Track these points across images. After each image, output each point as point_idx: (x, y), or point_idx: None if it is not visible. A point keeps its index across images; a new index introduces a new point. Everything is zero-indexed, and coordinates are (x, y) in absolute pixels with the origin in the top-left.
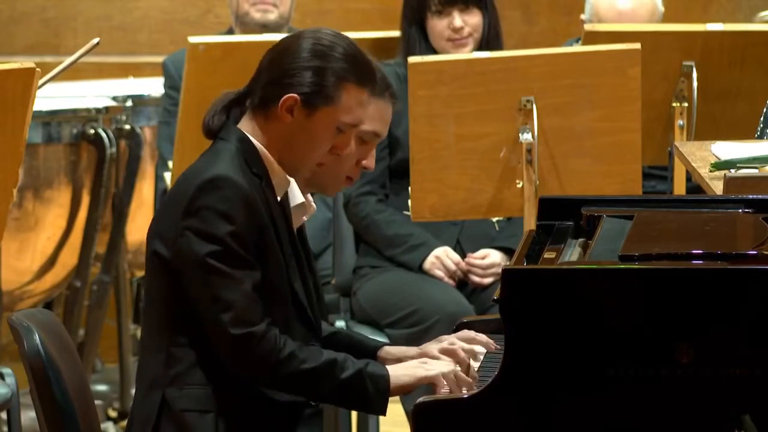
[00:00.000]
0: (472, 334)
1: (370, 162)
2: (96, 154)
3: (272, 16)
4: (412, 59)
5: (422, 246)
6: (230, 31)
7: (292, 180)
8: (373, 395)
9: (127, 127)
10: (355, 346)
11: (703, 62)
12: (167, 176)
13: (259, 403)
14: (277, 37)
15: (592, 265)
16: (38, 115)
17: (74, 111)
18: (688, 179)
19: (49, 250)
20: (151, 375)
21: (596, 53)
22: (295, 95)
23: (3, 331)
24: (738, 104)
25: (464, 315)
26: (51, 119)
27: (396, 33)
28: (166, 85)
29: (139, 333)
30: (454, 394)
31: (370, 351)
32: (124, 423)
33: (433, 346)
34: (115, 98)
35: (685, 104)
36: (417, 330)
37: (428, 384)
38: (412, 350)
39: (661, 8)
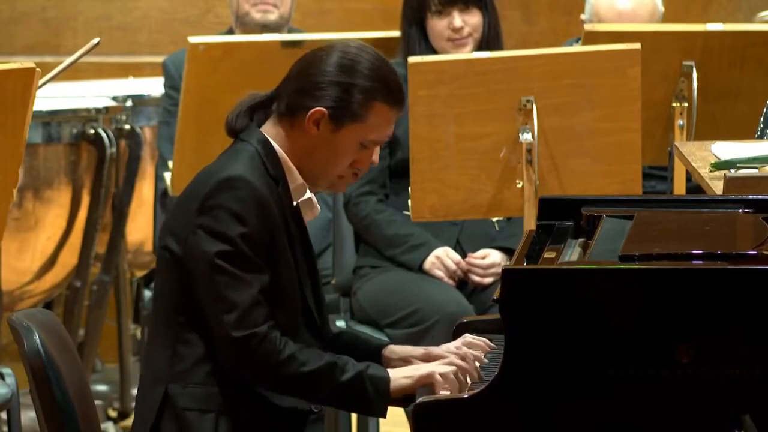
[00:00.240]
0: (469, 339)
1: (375, 158)
2: (96, 154)
3: (272, 16)
4: (412, 59)
5: (422, 246)
6: (230, 31)
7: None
8: (373, 397)
9: (127, 127)
10: (360, 345)
11: (703, 62)
12: (167, 176)
13: (261, 405)
14: (277, 37)
15: (592, 265)
16: (38, 115)
17: (74, 111)
18: (688, 179)
19: (49, 250)
20: (156, 369)
21: (596, 53)
22: (323, 109)
23: (3, 331)
24: (738, 104)
25: (464, 315)
26: (51, 119)
27: (396, 33)
28: (166, 85)
29: (139, 333)
30: (454, 393)
31: (374, 350)
32: (124, 423)
33: (437, 349)
34: (115, 98)
35: (685, 104)
36: (417, 330)
37: (428, 385)
38: (417, 350)
39: (661, 8)
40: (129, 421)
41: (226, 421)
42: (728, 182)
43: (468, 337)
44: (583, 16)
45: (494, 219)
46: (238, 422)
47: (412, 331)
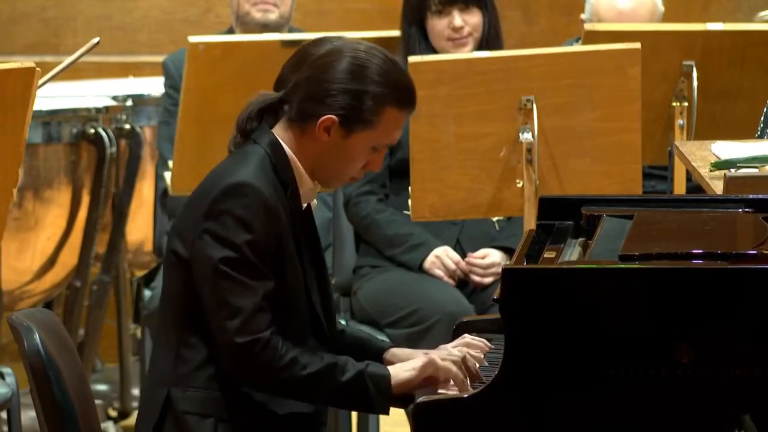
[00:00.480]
0: (468, 339)
1: (378, 166)
2: (96, 154)
3: (273, 16)
4: (412, 59)
5: (422, 246)
6: (230, 31)
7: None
8: (374, 395)
9: (127, 126)
10: (361, 347)
11: (703, 62)
12: (167, 176)
13: (260, 411)
14: (277, 37)
15: (592, 264)
16: (38, 115)
17: (74, 111)
18: (688, 179)
19: (49, 250)
20: (160, 371)
21: (596, 53)
22: (334, 117)
23: (3, 331)
24: (738, 104)
25: (464, 315)
26: (51, 119)
27: (396, 33)
28: (166, 85)
29: (139, 333)
30: (453, 394)
31: (375, 354)
32: (124, 423)
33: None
34: (115, 98)
35: (685, 104)
36: (417, 330)
37: (430, 375)
38: (418, 353)
39: (661, 8)
40: (129, 421)
41: (225, 426)
42: (728, 182)
43: (467, 338)
44: (583, 16)
45: (494, 219)
46: (237, 428)
47: (412, 330)
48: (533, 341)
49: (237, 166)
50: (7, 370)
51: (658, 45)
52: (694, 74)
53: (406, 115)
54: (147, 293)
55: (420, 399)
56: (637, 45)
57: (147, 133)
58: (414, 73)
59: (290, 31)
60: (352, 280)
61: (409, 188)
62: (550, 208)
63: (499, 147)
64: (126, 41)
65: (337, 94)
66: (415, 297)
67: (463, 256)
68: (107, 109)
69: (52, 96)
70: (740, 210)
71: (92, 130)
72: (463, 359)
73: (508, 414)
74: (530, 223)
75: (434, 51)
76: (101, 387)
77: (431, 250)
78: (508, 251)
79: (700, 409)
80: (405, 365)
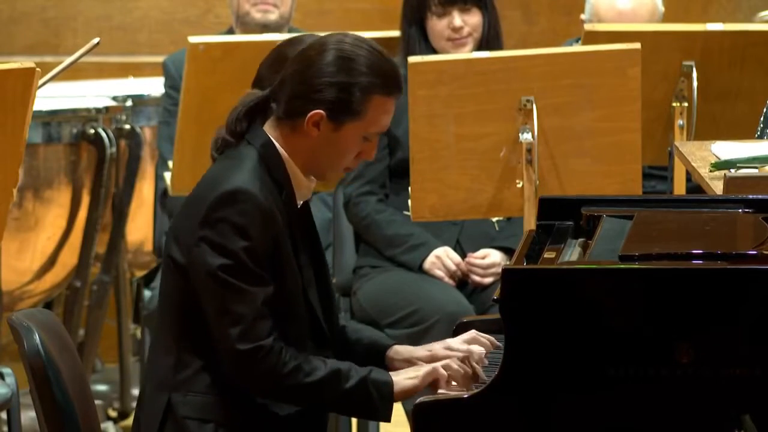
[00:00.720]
0: (475, 334)
1: (372, 154)
2: (96, 154)
3: (273, 16)
4: (412, 59)
5: (422, 246)
6: (230, 31)
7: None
8: (378, 402)
9: (127, 127)
10: (363, 345)
11: (703, 62)
12: (167, 176)
13: (260, 416)
14: (277, 37)
15: (592, 265)
16: (38, 115)
17: (74, 111)
18: (688, 179)
19: (49, 250)
20: (160, 376)
21: (596, 53)
22: (322, 111)
23: (3, 331)
24: (738, 104)
25: (464, 315)
26: (51, 119)
27: (396, 33)
28: (166, 85)
29: (139, 333)
30: (454, 394)
31: (378, 351)
32: (124, 423)
33: (441, 348)
34: (115, 98)
35: (685, 104)
36: (417, 330)
37: (433, 382)
38: (420, 351)
39: (661, 8)
40: (129, 421)
41: (226, 430)
42: (728, 182)
43: (473, 333)
44: (583, 16)
45: (494, 219)
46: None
47: (412, 331)
48: (533, 341)
49: (232, 171)
50: (7, 370)
51: (658, 45)
52: (694, 74)
53: (393, 102)
54: (147, 293)
55: (420, 399)
56: (637, 45)
57: (147, 133)
58: (414, 74)
59: (290, 31)
60: (352, 280)
61: (409, 188)
62: (550, 208)
63: (499, 147)
64: (126, 41)
65: (324, 88)
66: (415, 297)
67: (463, 256)
68: (107, 109)
69: (52, 96)
70: (740, 210)
71: (92, 131)
72: (467, 358)
73: (508, 414)
74: (530, 223)
75: (434, 51)
76: (101, 387)
77: (431, 251)
78: (508, 251)
79: (700, 409)
80: (408, 373)
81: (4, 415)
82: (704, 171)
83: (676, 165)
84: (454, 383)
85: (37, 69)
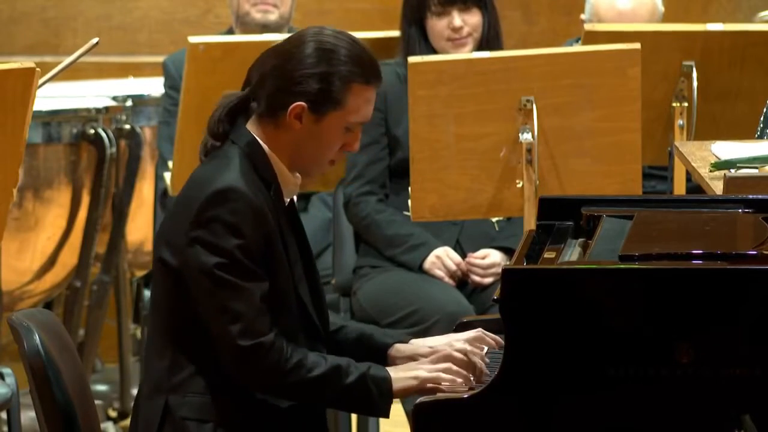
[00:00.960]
0: (482, 334)
1: (356, 146)
2: (96, 154)
3: (273, 16)
4: (412, 59)
5: (422, 246)
6: (230, 31)
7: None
8: (377, 398)
9: (127, 127)
10: (364, 343)
11: (703, 62)
12: (167, 176)
13: (259, 414)
14: (277, 37)
15: (592, 265)
16: (38, 115)
17: (74, 111)
18: (688, 179)
19: (49, 250)
20: (155, 379)
21: (596, 53)
22: (303, 103)
23: (3, 331)
24: (738, 104)
25: (464, 315)
26: (51, 119)
27: (396, 33)
28: (166, 85)
29: (139, 333)
30: (454, 394)
31: (379, 350)
32: (124, 423)
33: (443, 344)
34: (115, 98)
35: (685, 104)
36: (417, 330)
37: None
38: (423, 349)
39: (661, 8)
40: (129, 421)
41: (225, 430)
42: (728, 182)
43: (480, 332)
44: (583, 16)
45: (494, 219)
46: (236, 431)
47: (412, 331)
48: (533, 341)
49: (220, 171)
50: (7, 370)
51: (658, 45)
52: (694, 74)
53: (373, 91)
54: (147, 293)
55: (420, 399)
56: (637, 45)
57: (147, 134)
58: (414, 74)
59: (290, 31)
60: (352, 280)
61: (409, 188)
62: (550, 208)
63: (499, 147)
64: (126, 41)
65: (305, 79)
66: (415, 297)
67: (463, 256)
68: (107, 109)
69: (52, 96)
70: (740, 210)
71: (92, 131)
72: (467, 356)
73: (508, 414)
74: (530, 223)
75: (434, 51)
76: (101, 387)
77: (431, 251)
78: (508, 251)
79: (700, 409)
80: (408, 372)
81: (4, 415)
82: (704, 171)
83: (676, 165)
84: (458, 380)
85: (37, 69)
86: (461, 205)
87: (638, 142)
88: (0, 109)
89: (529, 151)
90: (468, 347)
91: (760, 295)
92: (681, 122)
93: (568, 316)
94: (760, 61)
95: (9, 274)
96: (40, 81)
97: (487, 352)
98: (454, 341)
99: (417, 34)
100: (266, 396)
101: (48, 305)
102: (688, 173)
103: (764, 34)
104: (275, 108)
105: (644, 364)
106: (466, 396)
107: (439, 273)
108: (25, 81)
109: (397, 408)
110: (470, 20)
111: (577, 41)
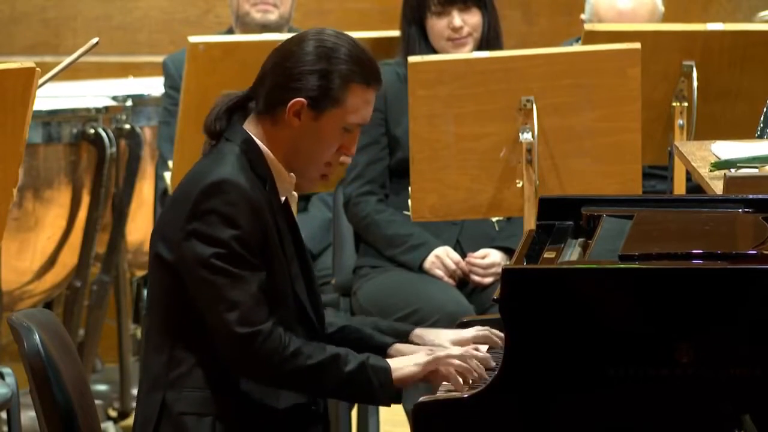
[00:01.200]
0: (488, 332)
1: (352, 149)
2: (96, 154)
3: (273, 16)
4: (412, 59)
5: (422, 246)
6: (230, 31)
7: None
8: (377, 387)
9: (127, 126)
10: (364, 343)
11: (703, 62)
12: (167, 176)
13: (258, 408)
14: (277, 37)
15: (592, 265)
16: (38, 115)
17: (74, 111)
18: (688, 179)
19: (49, 250)
20: (153, 375)
21: (596, 53)
22: (302, 99)
23: (3, 331)
24: (738, 104)
25: (464, 315)
26: (51, 119)
27: (396, 33)
28: (166, 85)
29: (139, 333)
30: (454, 394)
31: (379, 348)
32: (124, 423)
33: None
34: (115, 98)
35: (685, 104)
36: None
37: (431, 377)
38: (422, 349)
39: (661, 8)
40: (129, 421)
41: (223, 425)
42: (728, 182)
43: (487, 330)
44: (583, 16)
45: (494, 219)
46: (235, 426)
47: None
48: (533, 341)
49: (215, 165)
50: (7, 370)
51: (658, 45)
52: (694, 74)
53: (372, 93)
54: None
55: (420, 399)
56: (637, 45)
57: (147, 133)
58: (414, 73)
59: (290, 31)
60: (352, 280)
61: (409, 188)
62: (550, 208)
63: (499, 147)
64: (126, 41)
65: (305, 76)
66: (415, 297)
67: (463, 256)
68: (107, 109)
69: (52, 96)
70: (740, 210)
71: (92, 131)
72: (469, 358)
73: (508, 414)
74: (530, 223)
75: (434, 51)
76: (101, 387)
77: (431, 251)
78: (508, 251)
79: (700, 409)
80: (409, 360)
81: (4, 415)
82: (704, 171)
83: (676, 165)
84: (457, 362)
85: (37, 69)
86: (461, 205)
87: (638, 142)
88: (0, 109)
89: (529, 151)
90: (470, 350)
91: (760, 295)
92: (681, 122)
93: (568, 316)
94: (760, 61)
95: (9, 274)
96: (40, 81)
97: (493, 351)
98: (461, 337)
99: (417, 34)
100: (265, 385)
101: (48, 305)
102: (688, 173)
103: (764, 34)
104: (274, 104)
105: (644, 364)
106: (466, 396)
107: (439, 273)
108: (25, 81)
109: (397, 407)
110: (470, 20)
111: (577, 41)
